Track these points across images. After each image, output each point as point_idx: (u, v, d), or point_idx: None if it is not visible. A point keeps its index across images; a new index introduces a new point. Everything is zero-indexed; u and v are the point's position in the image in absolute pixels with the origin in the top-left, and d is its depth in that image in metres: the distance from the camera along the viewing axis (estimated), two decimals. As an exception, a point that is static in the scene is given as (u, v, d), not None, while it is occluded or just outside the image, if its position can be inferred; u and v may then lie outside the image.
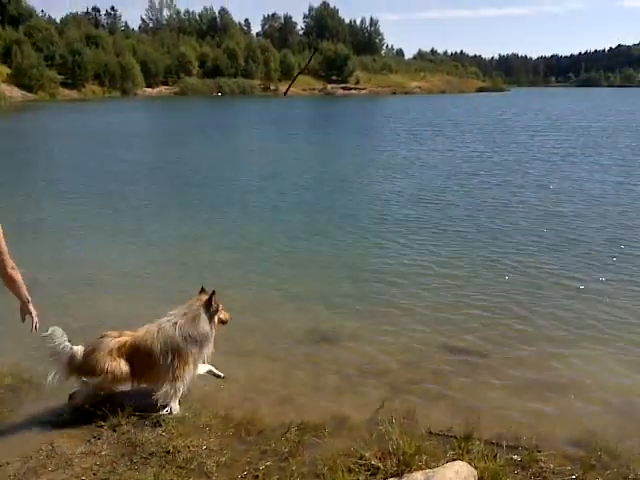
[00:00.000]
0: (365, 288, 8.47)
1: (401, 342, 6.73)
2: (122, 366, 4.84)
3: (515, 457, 4.45)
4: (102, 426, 4.71)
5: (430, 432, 4.79)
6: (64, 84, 74.01)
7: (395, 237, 11.04)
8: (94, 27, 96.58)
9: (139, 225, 12.17)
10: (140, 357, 4.90)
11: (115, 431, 4.66)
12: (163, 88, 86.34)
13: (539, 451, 4.54)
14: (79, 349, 4.86)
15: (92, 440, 4.55)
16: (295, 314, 7.54)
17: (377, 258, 9.82)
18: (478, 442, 4.56)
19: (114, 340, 4.91)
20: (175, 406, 4.98)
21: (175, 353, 4.93)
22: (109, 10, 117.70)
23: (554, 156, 22.25)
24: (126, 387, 5.09)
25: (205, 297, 5.14)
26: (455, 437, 4.67)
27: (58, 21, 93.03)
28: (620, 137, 29.39)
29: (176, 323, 4.99)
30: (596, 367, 6.17)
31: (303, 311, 7.64)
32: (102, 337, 4.95)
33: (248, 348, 6.55)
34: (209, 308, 5.12)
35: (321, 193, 15.97)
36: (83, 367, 4.82)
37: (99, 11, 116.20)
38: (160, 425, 4.76)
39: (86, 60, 75.67)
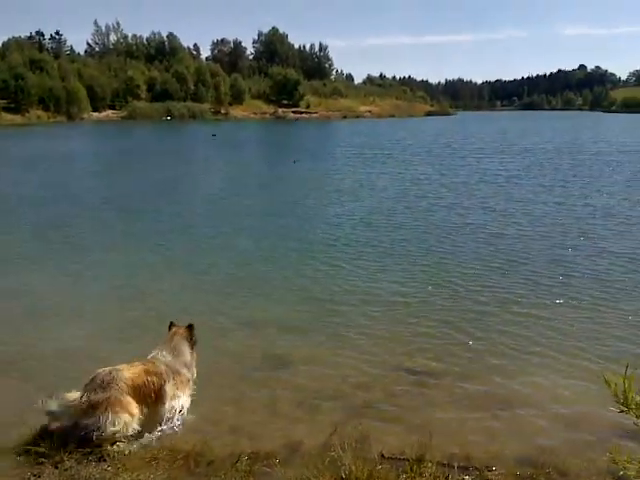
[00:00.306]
0: (317, 312, 8.44)
1: (354, 365, 6.74)
2: None
3: (466, 478, 4.49)
4: (43, 463, 4.53)
5: (383, 455, 4.78)
6: (7, 109, 72.28)
7: (346, 260, 11.08)
8: (38, 51, 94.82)
9: (81, 254, 11.77)
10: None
11: (57, 468, 4.49)
12: (110, 112, 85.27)
13: (489, 470, 4.59)
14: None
15: (32, 479, 4.37)
16: (247, 340, 7.45)
17: (328, 282, 9.82)
18: (430, 464, 4.57)
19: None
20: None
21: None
22: (54, 34, 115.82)
23: (499, 178, 22.90)
24: None
25: (183, 330, 5.59)
26: (408, 460, 4.66)
27: (0, 45, 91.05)
28: (562, 159, 30.53)
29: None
30: (544, 384, 6.30)
31: (255, 337, 7.55)
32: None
33: (199, 376, 6.39)
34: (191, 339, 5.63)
35: (271, 217, 15.87)
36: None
37: (43, 35, 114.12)
38: (105, 460, 4.60)
39: (30, 84, 74.21)
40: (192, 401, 5.48)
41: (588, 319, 8.03)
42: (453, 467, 4.58)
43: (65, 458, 4.57)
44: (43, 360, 6.79)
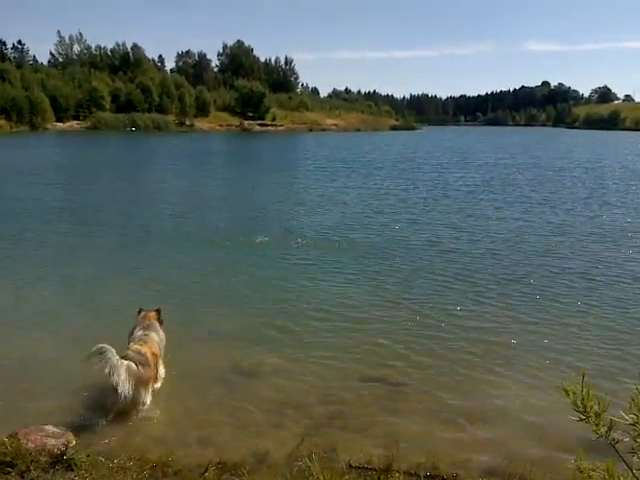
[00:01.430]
0: (283, 324, 8.46)
1: (320, 376, 6.78)
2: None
3: None
4: (9, 472, 4.49)
5: (350, 465, 4.82)
6: (-33, 118, 70.80)
7: (310, 274, 11.13)
8: (0, 61, 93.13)
9: (46, 266, 11.61)
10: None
11: (23, 477, 4.47)
12: (74, 123, 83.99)
13: (456, 479, 4.67)
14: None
15: None
16: (213, 351, 7.44)
17: (293, 294, 9.85)
18: (397, 473, 4.63)
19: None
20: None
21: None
22: (16, 44, 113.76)
23: (460, 193, 23.10)
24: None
25: (153, 313, 6.51)
26: (375, 469, 4.71)
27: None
28: (523, 174, 31.12)
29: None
30: (510, 394, 6.41)
31: (222, 348, 7.55)
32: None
33: (164, 387, 6.37)
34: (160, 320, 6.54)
35: (234, 228, 15.83)
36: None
37: (5, 44, 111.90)
38: (72, 469, 4.58)
39: (-8, 94, 72.83)
40: (159, 411, 5.75)
41: (551, 332, 8.19)
42: (420, 476, 4.64)
43: (31, 467, 4.53)
44: (5, 370, 6.73)
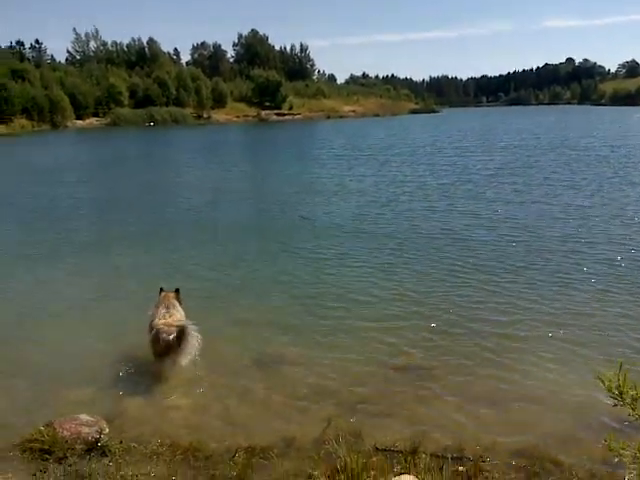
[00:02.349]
0: (309, 311, 8.55)
1: (345, 362, 6.84)
2: None
3: (460, 468, 4.59)
4: (47, 459, 4.67)
5: (376, 448, 4.88)
6: (-10, 119, 71.75)
7: (329, 263, 11.18)
8: (19, 61, 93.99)
9: (76, 258, 11.90)
10: None
11: (61, 464, 4.63)
12: (94, 120, 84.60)
13: (483, 461, 4.69)
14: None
15: (37, 474, 4.52)
16: (239, 339, 7.56)
17: (319, 282, 9.93)
18: (424, 455, 4.68)
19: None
20: None
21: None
22: (34, 43, 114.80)
23: (480, 177, 22.53)
24: None
25: (173, 293, 7.16)
26: (401, 452, 4.77)
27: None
28: (546, 155, 30.12)
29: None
30: (537, 376, 6.39)
31: (247, 336, 7.66)
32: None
33: (193, 375, 6.58)
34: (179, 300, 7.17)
35: (258, 220, 16.03)
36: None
37: (23, 45, 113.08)
38: (107, 455, 4.74)
39: (13, 94, 73.51)
40: (187, 399, 5.98)
41: (576, 317, 8.10)
42: (447, 458, 4.68)
43: (68, 454, 4.71)
44: (40, 362, 6.96)
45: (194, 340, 6.49)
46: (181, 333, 6.44)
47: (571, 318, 7.97)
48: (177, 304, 7.03)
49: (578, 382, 6.14)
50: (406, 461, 4.62)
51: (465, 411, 5.69)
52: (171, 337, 6.43)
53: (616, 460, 4.17)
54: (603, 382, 3.05)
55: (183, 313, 6.94)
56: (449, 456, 4.72)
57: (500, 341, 7.32)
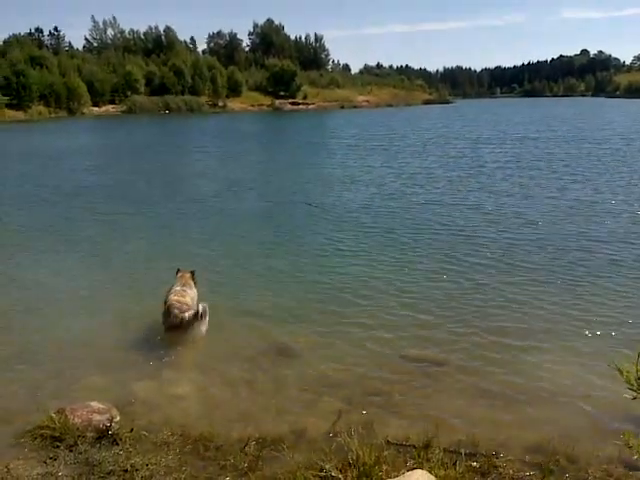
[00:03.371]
0: (322, 302, 8.51)
1: (358, 354, 6.80)
2: None
3: (474, 464, 4.53)
4: (58, 447, 4.67)
5: (389, 442, 4.83)
6: (9, 105, 72.07)
7: (347, 254, 11.13)
8: (38, 48, 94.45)
9: (87, 246, 11.97)
10: None
11: (72, 451, 4.63)
12: (110, 107, 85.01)
13: (497, 457, 4.63)
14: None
15: (48, 461, 4.52)
16: (251, 329, 7.54)
17: (331, 273, 9.87)
18: (437, 450, 4.62)
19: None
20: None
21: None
22: (52, 31, 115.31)
23: (490, 170, 22.14)
24: None
25: (188, 274, 7.82)
26: (414, 446, 4.72)
27: (1, 43, 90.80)
28: (561, 148, 29.69)
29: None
30: (551, 371, 6.31)
31: (260, 326, 7.64)
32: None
33: (204, 364, 6.59)
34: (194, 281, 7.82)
35: (270, 210, 15.97)
36: None
37: (42, 32, 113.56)
38: (117, 443, 4.73)
39: (31, 81, 73.97)
40: (198, 388, 5.96)
41: (595, 308, 8.01)
42: (460, 453, 4.62)
43: (79, 442, 4.71)
44: (51, 349, 7.00)
45: (205, 319, 7.15)
46: (194, 313, 7.06)
47: (588, 314, 7.85)
48: (192, 284, 7.68)
49: (595, 377, 6.05)
50: (419, 456, 4.57)
51: (479, 406, 5.63)
52: (186, 315, 7.04)
53: (635, 458, 4.16)
54: (622, 373, 2.98)
55: (195, 292, 7.57)
56: (463, 451, 4.66)
57: (515, 337, 7.23)
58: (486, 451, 4.73)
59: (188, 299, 7.30)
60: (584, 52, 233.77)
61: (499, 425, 5.27)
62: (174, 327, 7.06)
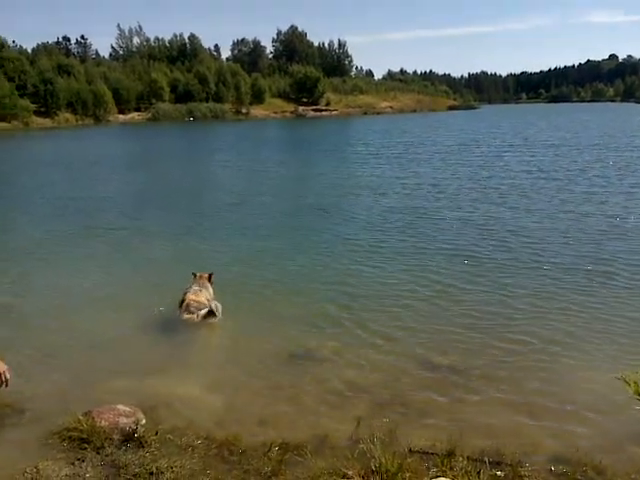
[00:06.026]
0: (343, 308, 8.49)
1: (380, 360, 6.78)
2: None
3: (498, 473, 4.46)
4: (86, 448, 4.73)
5: (411, 450, 4.79)
6: (37, 113, 73.47)
7: (372, 259, 11.11)
8: (65, 56, 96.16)
9: (110, 249, 12.16)
10: None
11: (99, 453, 4.69)
12: (135, 114, 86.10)
13: (522, 466, 4.56)
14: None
15: (76, 463, 4.57)
16: (273, 333, 7.56)
17: (355, 279, 9.85)
18: (461, 459, 4.58)
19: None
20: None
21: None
22: (79, 39, 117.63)
23: (517, 181, 21.49)
24: None
25: (206, 276, 8.38)
26: (437, 454, 4.68)
27: (29, 51, 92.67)
28: (590, 155, 28.76)
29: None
30: (578, 380, 6.22)
31: (282, 330, 7.66)
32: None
33: (227, 368, 6.62)
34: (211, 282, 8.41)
35: (296, 215, 16.06)
36: None
37: (69, 40, 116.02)
38: (143, 446, 4.78)
39: (58, 89, 75.27)
40: (221, 395, 5.96)
41: (622, 320, 7.82)
42: (484, 462, 4.56)
43: (106, 444, 4.77)
44: (77, 350, 7.12)
45: (217, 316, 7.82)
46: (208, 311, 7.77)
47: (614, 321, 7.72)
48: (209, 285, 8.23)
49: (623, 385, 5.94)
50: (442, 464, 4.52)
51: (503, 414, 5.56)
52: (202, 312, 7.74)
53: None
54: (628, 384, 2.89)
55: (211, 292, 8.15)
56: (487, 460, 4.60)
57: (540, 345, 7.13)
58: (511, 460, 4.66)
59: (203, 298, 7.88)
60: (612, 56, 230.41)
61: (524, 434, 5.20)
62: (188, 321, 7.73)
